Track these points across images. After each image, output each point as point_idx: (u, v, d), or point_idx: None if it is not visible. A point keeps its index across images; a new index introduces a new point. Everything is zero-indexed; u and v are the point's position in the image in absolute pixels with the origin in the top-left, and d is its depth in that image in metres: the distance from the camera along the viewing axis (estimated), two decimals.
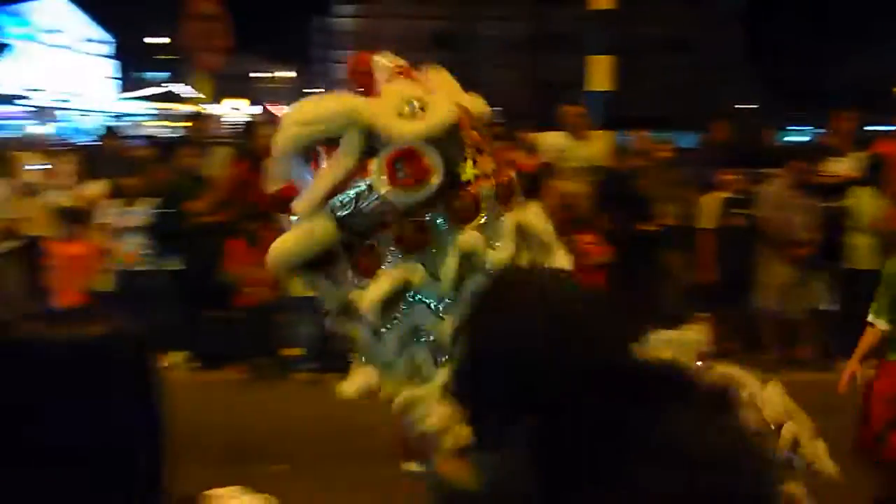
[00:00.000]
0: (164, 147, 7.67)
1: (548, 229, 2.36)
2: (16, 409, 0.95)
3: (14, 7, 39.38)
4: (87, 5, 46.87)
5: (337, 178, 2.25)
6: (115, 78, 50.11)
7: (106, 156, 7.27)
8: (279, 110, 8.22)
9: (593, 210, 6.40)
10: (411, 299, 2.23)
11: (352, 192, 2.23)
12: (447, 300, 2.22)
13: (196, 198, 6.29)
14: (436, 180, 2.18)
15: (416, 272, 2.21)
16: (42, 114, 36.61)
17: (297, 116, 2.35)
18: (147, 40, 53.07)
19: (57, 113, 35.55)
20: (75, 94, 42.62)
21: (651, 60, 33.30)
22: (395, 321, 2.24)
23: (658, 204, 7.02)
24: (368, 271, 2.24)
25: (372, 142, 2.22)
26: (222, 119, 16.30)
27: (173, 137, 15.22)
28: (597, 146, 7.53)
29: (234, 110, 24.27)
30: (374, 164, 2.20)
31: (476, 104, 2.56)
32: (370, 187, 2.20)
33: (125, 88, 50.30)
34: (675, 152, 7.83)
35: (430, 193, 2.18)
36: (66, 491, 0.95)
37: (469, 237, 2.21)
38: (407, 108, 2.24)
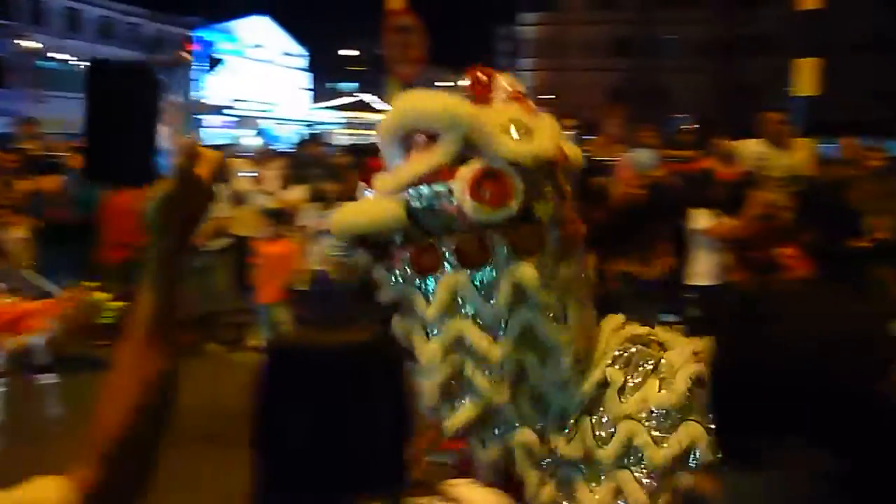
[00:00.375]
0: (359, 154, 8.03)
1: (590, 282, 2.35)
2: (302, 410, 1.02)
3: (224, 25, 42.97)
4: (286, 22, 50.27)
5: (425, 170, 2.25)
6: (309, 89, 53.34)
7: (307, 162, 7.72)
8: None
9: (796, 222, 6.00)
10: (460, 311, 2.24)
11: (432, 189, 2.23)
12: (494, 324, 2.23)
13: None
14: (514, 206, 2.18)
15: (468, 287, 2.23)
16: (245, 123, 39.63)
17: (407, 104, 2.35)
18: (339, 53, 56.17)
19: (258, 122, 38.39)
20: (274, 105, 45.82)
21: (860, 62, 30.82)
22: (443, 328, 2.24)
23: (869, 217, 6.48)
24: (425, 270, 2.26)
25: (467, 150, 2.22)
26: None
27: (368, 145, 15.95)
28: (800, 154, 7.07)
29: None
30: (461, 172, 2.19)
31: (575, 153, 2.58)
32: (450, 191, 2.19)
33: (318, 98, 53.40)
34: (887, 161, 7.21)
35: (504, 217, 2.19)
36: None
37: (527, 270, 2.21)
38: (513, 129, 2.24)
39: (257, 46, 46.60)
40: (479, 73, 2.54)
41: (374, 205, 2.28)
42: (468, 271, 2.22)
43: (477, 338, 2.24)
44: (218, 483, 4.28)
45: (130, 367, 0.93)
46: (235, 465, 4.46)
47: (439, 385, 2.23)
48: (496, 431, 2.24)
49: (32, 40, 29.72)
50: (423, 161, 2.25)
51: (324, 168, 7.25)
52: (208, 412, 5.34)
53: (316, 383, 1.04)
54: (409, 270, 2.26)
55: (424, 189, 2.24)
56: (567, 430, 2.38)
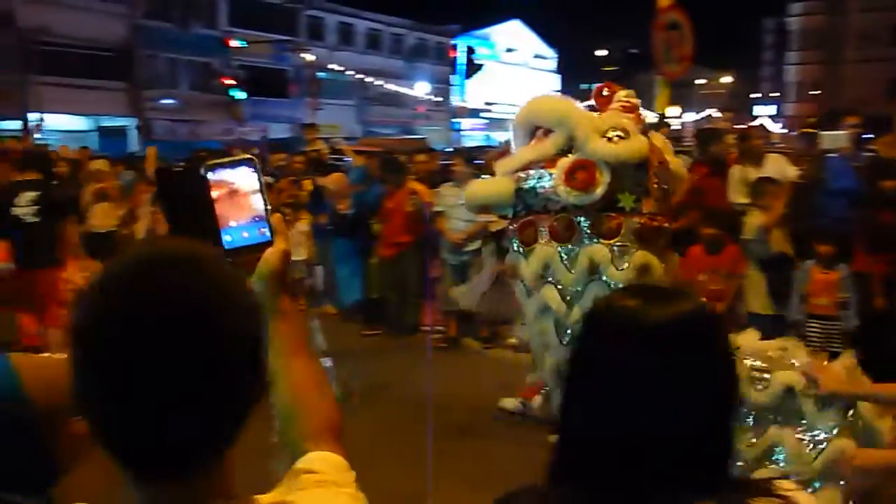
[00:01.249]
0: None
1: (663, 277, 2.74)
2: (621, 389, 1.01)
3: (482, 31, 44.43)
4: (537, 25, 50.91)
5: (533, 158, 2.80)
6: (559, 90, 53.65)
7: None
8: (722, 117, 8.02)
9: None
10: (548, 279, 2.75)
11: (537, 174, 2.77)
12: (573, 291, 2.72)
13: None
14: (598, 193, 2.66)
15: (556, 258, 2.73)
16: (497, 125, 40.65)
17: (532, 105, 2.96)
18: (594, 53, 55.82)
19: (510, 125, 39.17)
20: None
21: None
22: (537, 292, 2.77)
23: None
24: (527, 241, 2.83)
25: (571, 145, 2.74)
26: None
27: None
28: None
29: (672, 118, 24.25)
30: (560, 162, 2.72)
31: (678, 165, 3.02)
32: (550, 176, 2.74)
33: None
34: None
35: (588, 201, 2.68)
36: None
37: (599, 250, 2.67)
38: (611, 132, 2.72)
39: (510, 50, 47.65)
40: (603, 88, 3.10)
41: (493, 182, 2.99)
42: (557, 245, 2.76)
43: (556, 303, 2.73)
44: (474, 473, 4.42)
45: (315, 370, 1.18)
46: (489, 457, 4.59)
47: (532, 339, 2.77)
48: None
49: (310, 53, 32.70)
50: (534, 149, 2.84)
51: None
52: (464, 406, 5.52)
53: (638, 357, 1.01)
54: (515, 241, 2.91)
55: (532, 172, 2.81)
56: None
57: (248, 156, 1.18)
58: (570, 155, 2.74)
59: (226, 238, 1.12)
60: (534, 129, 2.92)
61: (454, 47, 33.20)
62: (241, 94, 29.24)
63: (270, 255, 1.14)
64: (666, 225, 2.84)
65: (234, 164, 1.13)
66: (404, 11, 41.07)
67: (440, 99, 41.82)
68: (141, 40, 29.34)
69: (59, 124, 27.14)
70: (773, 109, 48.64)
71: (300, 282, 8.56)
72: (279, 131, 26.82)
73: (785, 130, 34.80)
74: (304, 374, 1.16)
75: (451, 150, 17.41)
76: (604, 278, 2.71)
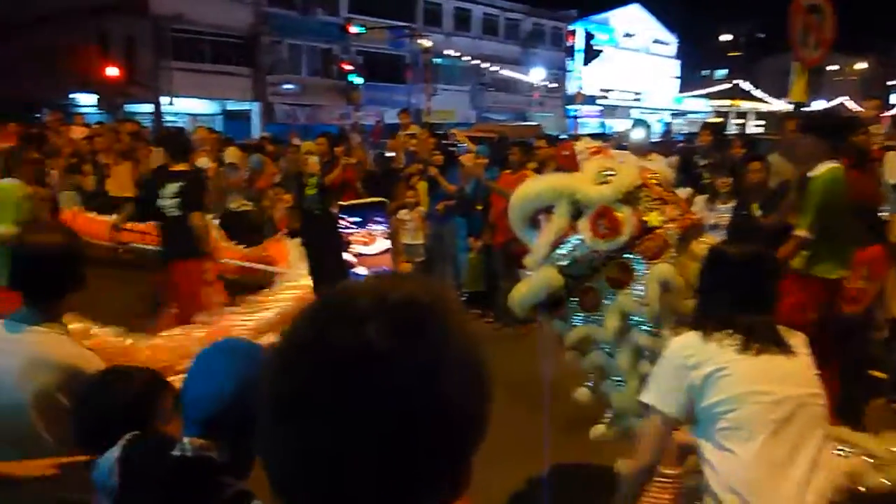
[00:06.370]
0: (753, 146, 7.48)
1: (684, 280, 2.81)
2: None
3: (600, 16, 43.50)
4: (658, 10, 49.37)
5: (554, 236, 2.92)
6: (679, 77, 51.90)
7: (696, 153, 7.41)
8: (866, 105, 7.48)
9: None
10: (632, 324, 2.80)
11: (568, 246, 2.90)
12: (658, 319, 2.76)
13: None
14: (628, 229, 2.80)
15: (628, 303, 2.81)
16: (613, 113, 39.77)
17: (520, 195, 3.07)
18: (719, 39, 53.79)
19: (628, 112, 38.26)
20: (643, 94, 45.37)
21: None
22: (624, 344, 2.81)
23: None
24: (592, 308, 2.88)
25: (578, 206, 2.89)
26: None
27: (761, 136, 14.97)
28: None
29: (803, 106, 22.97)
30: (581, 223, 2.86)
31: (662, 169, 3.16)
32: (581, 241, 2.86)
33: (687, 86, 51.73)
34: None
35: (626, 240, 2.80)
36: None
37: (661, 268, 2.75)
38: (601, 176, 2.91)
39: (628, 35, 46.47)
40: (563, 149, 3.57)
41: (534, 279, 2.99)
42: (625, 291, 2.82)
43: (644, 340, 2.77)
44: (588, 468, 4.29)
45: None
46: (601, 453, 4.45)
47: (636, 392, 2.66)
48: None
49: (427, 39, 32.88)
50: (549, 230, 2.96)
51: (715, 160, 6.85)
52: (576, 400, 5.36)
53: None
54: (580, 313, 2.92)
55: (561, 249, 2.90)
56: None
57: (381, 200, 1.19)
58: (583, 215, 2.92)
59: None
60: (533, 216, 3.09)
61: (572, 33, 32.58)
62: (358, 80, 29.75)
63: None
64: (694, 218, 3.01)
65: (365, 208, 1.15)
66: None
67: (555, 85, 41.26)
68: (265, 27, 30.30)
69: (187, 108, 28.45)
70: None
71: (418, 266, 8.59)
72: (394, 116, 27.17)
73: None
74: None
75: (566, 136, 17.10)
76: (680, 289, 2.83)
